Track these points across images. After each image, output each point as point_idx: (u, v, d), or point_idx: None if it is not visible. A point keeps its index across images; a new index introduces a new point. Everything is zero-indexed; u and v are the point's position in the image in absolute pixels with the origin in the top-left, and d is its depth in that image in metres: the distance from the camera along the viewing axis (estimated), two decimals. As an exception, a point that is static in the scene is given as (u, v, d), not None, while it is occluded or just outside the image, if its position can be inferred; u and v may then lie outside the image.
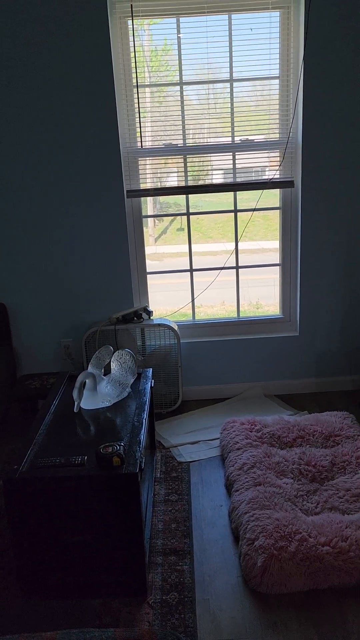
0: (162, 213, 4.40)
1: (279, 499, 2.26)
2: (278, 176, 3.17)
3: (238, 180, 3.18)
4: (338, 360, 3.42)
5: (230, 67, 3.00)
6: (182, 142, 3.10)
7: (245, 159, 3.13)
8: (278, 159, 3.15)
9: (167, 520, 2.35)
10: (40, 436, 2.11)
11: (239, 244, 3.34)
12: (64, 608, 1.94)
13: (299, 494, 2.33)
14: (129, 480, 1.83)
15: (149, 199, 3.90)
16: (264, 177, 3.20)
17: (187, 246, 3.35)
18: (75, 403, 2.29)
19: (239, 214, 3.27)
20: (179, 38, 2.96)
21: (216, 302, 5.00)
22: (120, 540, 1.91)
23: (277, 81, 3.03)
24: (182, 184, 3.18)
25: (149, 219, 4.72)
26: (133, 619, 1.87)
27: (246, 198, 3.30)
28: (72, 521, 1.88)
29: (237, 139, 3.11)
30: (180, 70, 3.01)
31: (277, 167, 3.15)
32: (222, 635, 1.81)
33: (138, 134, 3.05)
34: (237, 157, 3.12)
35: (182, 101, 3.05)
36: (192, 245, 3.34)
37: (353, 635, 1.78)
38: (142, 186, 3.16)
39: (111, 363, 2.49)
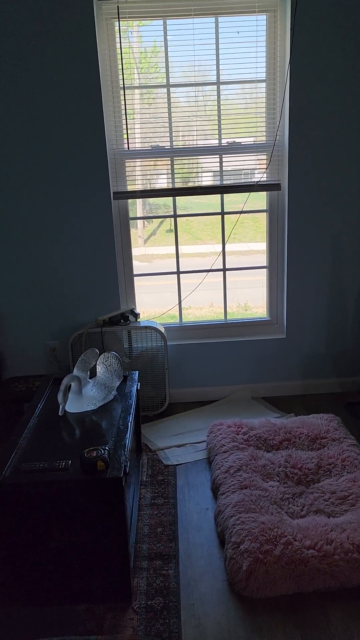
0: (149, 215, 4.39)
1: (265, 502, 2.26)
2: (265, 179, 3.17)
3: (225, 182, 3.18)
4: (325, 362, 3.43)
5: (217, 69, 3.00)
6: (169, 144, 3.10)
7: (233, 162, 3.13)
8: (265, 161, 3.15)
9: (152, 524, 2.33)
10: (24, 440, 2.09)
11: (228, 245, 3.34)
12: (47, 614, 1.92)
13: (285, 497, 2.33)
14: (113, 485, 1.82)
15: (138, 200, 3.89)
16: (251, 180, 3.21)
17: (175, 247, 3.34)
18: (60, 406, 2.27)
19: (226, 215, 3.27)
20: (165, 40, 2.95)
21: (205, 303, 5.00)
22: (105, 545, 1.89)
23: (263, 84, 3.03)
24: (170, 186, 3.18)
25: (137, 220, 4.72)
26: (117, 624, 1.86)
27: (234, 200, 3.30)
28: (55, 526, 1.87)
29: (224, 141, 3.11)
30: (167, 72, 3.00)
31: (264, 170, 3.16)
32: (207, 640, 1.80)
33: (125, 136, 3.04)
34: (224, 159, 3.12)
35: (169, 103, 3.05)
36: (181, 247, 3.33)
37: (337, 639, 1.78)
38: (129, 188, 3.15)
39: (97, 366, 2.47)
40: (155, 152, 3.10)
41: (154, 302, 3.94)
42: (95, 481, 1.81)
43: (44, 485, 1.81)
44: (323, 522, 2.13)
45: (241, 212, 3.24)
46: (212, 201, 3.43)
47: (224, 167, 3.14)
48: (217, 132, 3.09)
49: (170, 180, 3.17)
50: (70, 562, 1.91)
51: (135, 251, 3.30)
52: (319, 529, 2.08)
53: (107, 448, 1.91)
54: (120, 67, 2.93)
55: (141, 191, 3.15)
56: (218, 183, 3.18)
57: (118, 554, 1.90)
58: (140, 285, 3.41)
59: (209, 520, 2.37)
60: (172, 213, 3.29)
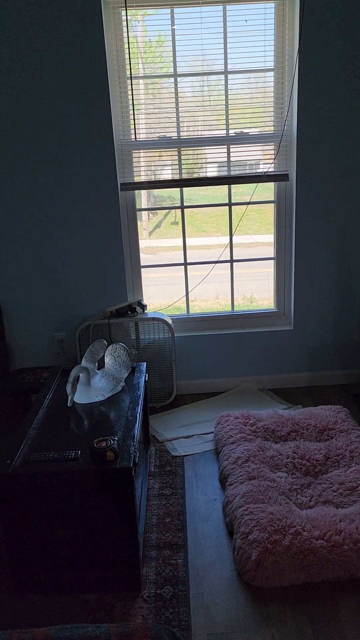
0: (156, 206, 4.38)
1: (273, 492, 2.26)
2: (272, 169, 3.15)
3: (232, 173, 3.16)
4: (332, 354, 3.42)
5: (225, 59, 2.97)
6: (176, 135, 3.08)
7: (240, 152, 3.12)
8: (273, 152, 3.13)
9: (161, 514, 2.34)
10: (33, 431, 2.10)
11: (234, 237, 3.32)
12: (58, 603, 1.94)
13: (293, 488, 2.33)
14: (122, 475, 1.82)
15: (143, 193, 3.87)
16: (259, 171, 3.19)
17: (181, 240, 3.33)
18: (69, 397, 2.28)
19: (233, 207, 3.26)
20: (173, 30, 2.93)
21: (210, 296, 5.00)
22: (114, 535, 1.90)
23: (272, 73, 3.01)
24: (176, 177, 3.16)
25: (143, 212, 4.70)
26: (127, 613, 1.87)
27: (240, 192, 3.29)
28: (65, 516, 1.87)
29: (231, 131, 3.09)
30: (175, 62, 2.98)
31: (272, 161, 3.14)
32: (216, 629, 1.81)
33: (132, 127, 3.03)
34: (231, 150, 3.10)
35: (176, 93, 3.03)
36: (187, 239, 3.32)
37: (346, 629, 1.79)
38: (136, 179, 3.14)
39: (105, 357, 2.47)
40: (163, 143, 3.09)
41: (159, 294, 3.93)
42: (104, 471, 1.82)
43: (54, 475, 1.82)
44: (332, 513, 2.13)
45: (249, 202, 3.22)
46: (216, 193, 3.42)
47: (231, 158, 3.12)
48: (224, 122, 3.07)
49: (176, 171, 3.15)
50: (80, 552, 1.92)
51: (141, 243, 3.30)
52: (327, 520, 2.09)
53: (116, 438, 1.91)
54: (127, 57, 2.91)
55: (149, 182, 3.13)
56: (225, 174, 3.16)
57: (127, 544, 1.91)
58: (146, 277, 3.40)
59: (217, 511, 2.37)
60: (176, 205, 3.28)
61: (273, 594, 1.93)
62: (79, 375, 2.32)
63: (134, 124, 3.02)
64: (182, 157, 3.12)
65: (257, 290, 4.90)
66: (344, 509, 2.18)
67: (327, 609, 1.86)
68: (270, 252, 3.38)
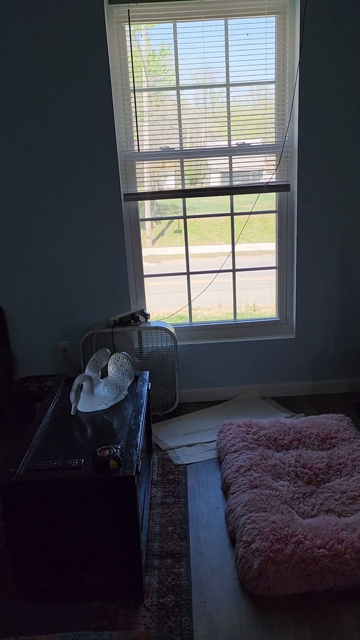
0: (159, 216, 4.41)
1: (276, 501, 2.27)
2: (274, 180, 3.18)
3: (234, 183, 3.19)
4: (334, 362, 3.43)
5: (227, 71, 3.01)
6: (179, 146, 3.12)
7: (242, 163, 3.15)
8: (274, 162, 3.17)
9: (163, 523, 2.35)
10: (37, 439, 2.12)
11: (236, 246, 3.35)
12: (60, 610, 1.94)
13: (295, 497, 2.34)
14: (125, 483, 1.83)
15: (146, 202, 3.91)
16: (261, 181, 3.22)
17: (184, 248, 3.35)
18: (72, 406, 2.29)
19: (235, 216, 3.29)
20: (175, 42, 2.97)
21: (213, 304, 5.01)
22: (117, 543, 1.91)
23: (273, 86, 3.04)
24: (179, 187, 3.20)
25: (146, 221, 4.73)
26: (130, 621, 1.88)
27: (243, 200, 3.31)
28: (68, 524, 1.89)
29: (233, 142, 3.12)
30: (177, 74, 3.02)
31: (274, 171, 3.17)
32: (219, 638, 1.82)
33: (135, 138, 3.07)
34: (233, 160, 3.14)
35: (179, 105, 3.07)
36: (190, 248, 3.35)
37: (348, 638, 1.79)
38: (139, 189, 3.17)
39: (108, 366, 2.49)
40: (166, 154, 3.12)
41: (162, 303, 3.95)
42: (107, 479, 1.83)
43: (57, 483, 1.84)
44: (334, 522, 2.13)
45: (251, 212, 3.25)
46: (220, 202, 3.45)
47: (233, 168, 3.16)
48: (226, 133, 3.11)
49: (179, 181, 3.19)
50: (82, 560, 1.93)
51: (144, 252, 3.32)
52: (329, 529, 2.09)
53: (119, 447, 1.92)
54: (130, 69, 2.95)
55: (152, 192, 3.17)
56: (227, 184, 3.20)
57: (130, 552, 1.92)
58: (149, 285, 3.43)
59: (220, 519, 2.38)
60: (180, 214, 3.31)
61: (275, 603, 1.94)
62: (82, 384, 2.34)
63: (137, 135, 3.06)
64: (185, 167, 3.15)
65: (261, 298, 4.92)
66: (346, 518, 2.18)
67: (329, 618, 1.87)
68: (273, 260, 3.40)
